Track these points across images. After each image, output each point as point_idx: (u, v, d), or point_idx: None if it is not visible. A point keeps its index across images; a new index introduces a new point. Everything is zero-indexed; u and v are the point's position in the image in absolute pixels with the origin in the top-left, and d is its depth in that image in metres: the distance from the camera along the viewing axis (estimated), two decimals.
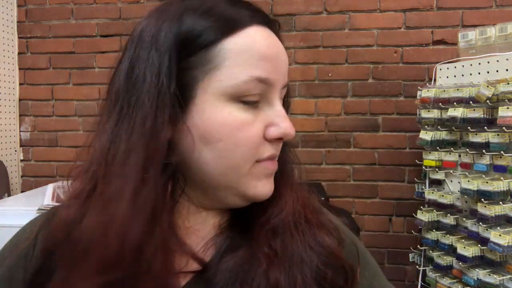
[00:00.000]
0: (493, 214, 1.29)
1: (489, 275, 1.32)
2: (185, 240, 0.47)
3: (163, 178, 0.43)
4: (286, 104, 0.53)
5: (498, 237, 1.26)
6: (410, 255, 1.70)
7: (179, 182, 0.47)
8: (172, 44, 0.43)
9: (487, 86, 1.33)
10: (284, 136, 0.47)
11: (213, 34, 0.44)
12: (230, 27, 0.44)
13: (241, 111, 0.44)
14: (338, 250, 0.49)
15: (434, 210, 1.54)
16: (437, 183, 1.60)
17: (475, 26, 1.59)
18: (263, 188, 0.48)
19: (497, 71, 1.37)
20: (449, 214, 1.50)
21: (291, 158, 0.54)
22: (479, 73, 1.43)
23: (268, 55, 0.45)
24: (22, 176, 2.17)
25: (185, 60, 0.44)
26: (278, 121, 0.46)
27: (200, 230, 0.50)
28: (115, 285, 0.41)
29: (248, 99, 0.45)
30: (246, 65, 0.44)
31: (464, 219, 1.44)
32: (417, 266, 1.66)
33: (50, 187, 1.63)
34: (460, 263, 1.38)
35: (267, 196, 0.48)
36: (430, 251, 1.57)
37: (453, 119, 1.43)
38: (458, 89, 1.45)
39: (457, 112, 1.41)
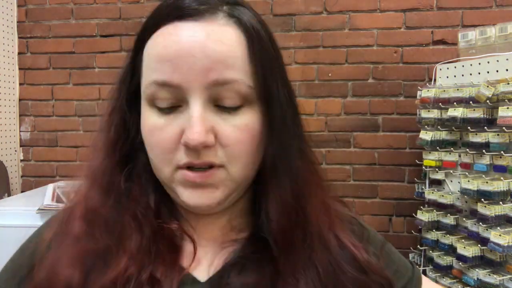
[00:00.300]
0: (493, 214, 1.29)
1: (489, 275, 1.32)
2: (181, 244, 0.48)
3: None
4: (271, 97, 0.45)
5: (498, 237, 1.26)
6: (410, 255, 1.70)
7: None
8: (133, 49, 0.48)
9: (487, 86, 1.33)
10: (186, 145, 0.42)
11: (140, 40, 0.46)
12: (148, 32, 0.45)
13: (154, 116, 0.44)
14: (377, 265, 0.49)
15: (434, 210, 1.54)
16: (437, 183, 1.60)
17: (475, 26, 1.59)
18: (188, 198, 0.44)
19: (497, 71, 1.37)
20: (449, 214, 1.50)
21: (297, 156, 0.48)
22: (479, 73, 1.43)
23: (164, 56, 0.42)
24: (22, 176, 2.17)
25: (139, 66, 0.47)
26: (187, 126, 0.42)
27: (206, 233, 0.50)
28: None
29: (158, 104, 0.44)
30: (147, 69, 0.44)
31: (464, 219, 1.44)
32: (417, 266, 1.65)
33: (50, 187, 1.63)
34: (460, 263, 1.38)
35: (200, 208, 0.45)
36: (430, 251, 1.57)
37: (453, 119, 1.43)
38: (458, 89, 1.45)
39: (457, 112, 1.41)
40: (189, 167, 0.43)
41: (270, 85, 0.45)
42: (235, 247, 0.48)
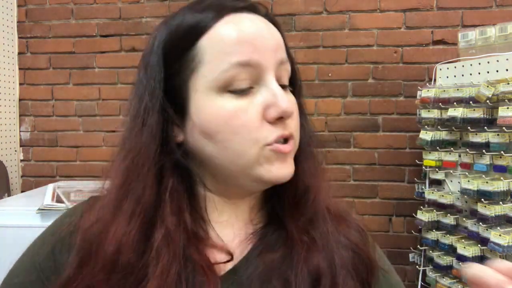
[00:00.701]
0: (493, 214, 1.29)
1: None
2: (215, 234, 0.50)
3: (173, 175, 0.48)
4: (296, 83, 0.53)
5: (498, 237, 1.26)
6: (410, 255, 1.71)
7: (197, 177, 0.51)
8: (160, 56, 0.49)
9: (487, 86, 1.33)
10: (283, 114, 0.46)
11: (187, 40, 0.48)
12: (200, 30, 0.47)
13: (232, 100, 0.46)
14: (363, 243, 0.53)
15: (434, 210, 1.54)
16: (437, 183, 1.60)
17: (475, 26, 1.59)
18: (278, 171, 0.47)
19: (497, 71, 1.37)
20: (449, 214, 1.50)
21: (313, 141, 0.55)
22: (479, 73, 1.43)
23: (243, 38, 0.46)
24: (22, 176, 2.17)
25: (172, 68, 0.48)
26: (275, 100, 0.46)
27: (234, 224, 0.53)
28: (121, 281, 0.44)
29: (236, 87, 0.46)
30: (222, 55, 0.46)
31: (464, 219, 1.44)
32: (417, 266, 1.66)
33: (50, 187, 1.63)
34: (460, 263, 1.38)
35: (286, 178, 0.48)
36: (430, 251, 1.57)
37: (453, 119, 1.43)
38: (458, 89, 1.45)
39: (457, 112, 1.41)
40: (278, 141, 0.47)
41: (296, 73, 0.53)
42: (255, 236, 0.52)
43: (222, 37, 0.46)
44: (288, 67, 0.50)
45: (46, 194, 1.54)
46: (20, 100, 2.15)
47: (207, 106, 0.46)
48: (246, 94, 0.46)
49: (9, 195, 1.98)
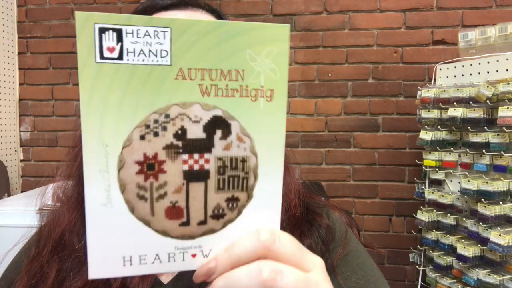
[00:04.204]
0: (493, 214, 1.29)
1: (489, 275, 1.32)
2: None
3: None
4: None
5: (498, 237, 1.26)
6: (410, 255, 1.70)
7: None
8: None
9: (487, 86, 1.33)
10: None
11: None
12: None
13: None
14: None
15: (434, 210, 1.54)
16: (437, 183, 1.60)
17: (475, 26, 1.58)
18: None
19: (497, 71, 1.37)
20: (449, 214, 1.50)
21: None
22: (479, 73, 1.43)
23: None
24: (22, 176, 2.17)
25: None
26: None
27: None
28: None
29: None
30: None
31: (464, 219, 1.44)
32: (417, 266, 1.66)
33: (50, 187, 1.63)
34: (460, 263, 1.38)
35: None
36: (430, 251, 1.57)
37: (453, 119, 1.43)
38: (458, 89, 1.45)
39: (457, 112, 1.41)
40: None
41: None
42: None
43: None
44: None
45: (46, 194, 1.54)
46: (20, 100, 2.15)
47: None
48: None
49: (9, 195, 1.98)
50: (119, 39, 0.27)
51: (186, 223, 0.30)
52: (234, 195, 0.30)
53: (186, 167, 0.29)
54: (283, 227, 0.46)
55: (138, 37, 0.28)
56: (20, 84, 2.15)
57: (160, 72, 0.28)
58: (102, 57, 0.27)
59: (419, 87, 1.64)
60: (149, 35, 0.28)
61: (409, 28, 1.94)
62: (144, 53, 0.28)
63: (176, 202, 0.29)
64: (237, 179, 0.30)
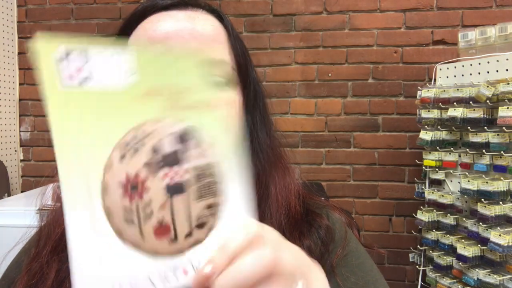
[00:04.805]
0: (493, 214, 1.29)
1: (489, 275, 1.32)
2: None
3: None
4: (246, 80, 0.50)
5: (498, 237, 1.26)
6: (410, 255, 1.71)
7: None
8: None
9: (487, 86, 1.33)
10: None
11: (123, 35, 0.50)
12: (127, 31, 0.49)
13: None
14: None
15: (434, 210, 1.54)
16: (437, 183, 1.60)
17: (475, 26, 1.58)
18: None
19: (497, 71, 1.37)
20: (449, 214, 1.50)
21: (273, 143, 0.54)
22: (479, 73, 1.43)
23: (155, 38, 0.45)
24: (22, 176, 2.17)
25: None
26: None
27: None
28: None
29: None
30: None
31: (464, 219, 1.44)
32: (417, 266, 1.66)
33: (50, 187, 1.63)
34: (460, 263, 1.38)
35: None
36: (430, 251, 1.57)
37: (453, 119, 1.43)
38: (458, 89, 1.45)
39: (457, 112, 1.41)
40: None
41: (248, 70, 0.51)
42: None
43: (137, 37, 0.47)
44: (221, 66, 0.47)
45: (46, 194, 1.54)
46: (20, 100, 2.15)
47: None
48: None
49: (9, 195, 1.98)
50: (82, 63, 0.27)
51: (175, 239, 0.29)
52: (214, 201, 0.31)
53: (167, 180, 0.29)
54: (282, 228, 0.46)
55: (101, 60, 0.27)
56: (20, 84, 2.15)
57: (127, 91, 0.28)
58: (65, 84, 0.27)
59: (419, 87, 1.65)
60: (111, 56, 0.28)
61: (409, 28, 1.94)
62: (108, 75, 0.28)
63: (163, 219, 0.29)
64: (213, 185, 0.31)
